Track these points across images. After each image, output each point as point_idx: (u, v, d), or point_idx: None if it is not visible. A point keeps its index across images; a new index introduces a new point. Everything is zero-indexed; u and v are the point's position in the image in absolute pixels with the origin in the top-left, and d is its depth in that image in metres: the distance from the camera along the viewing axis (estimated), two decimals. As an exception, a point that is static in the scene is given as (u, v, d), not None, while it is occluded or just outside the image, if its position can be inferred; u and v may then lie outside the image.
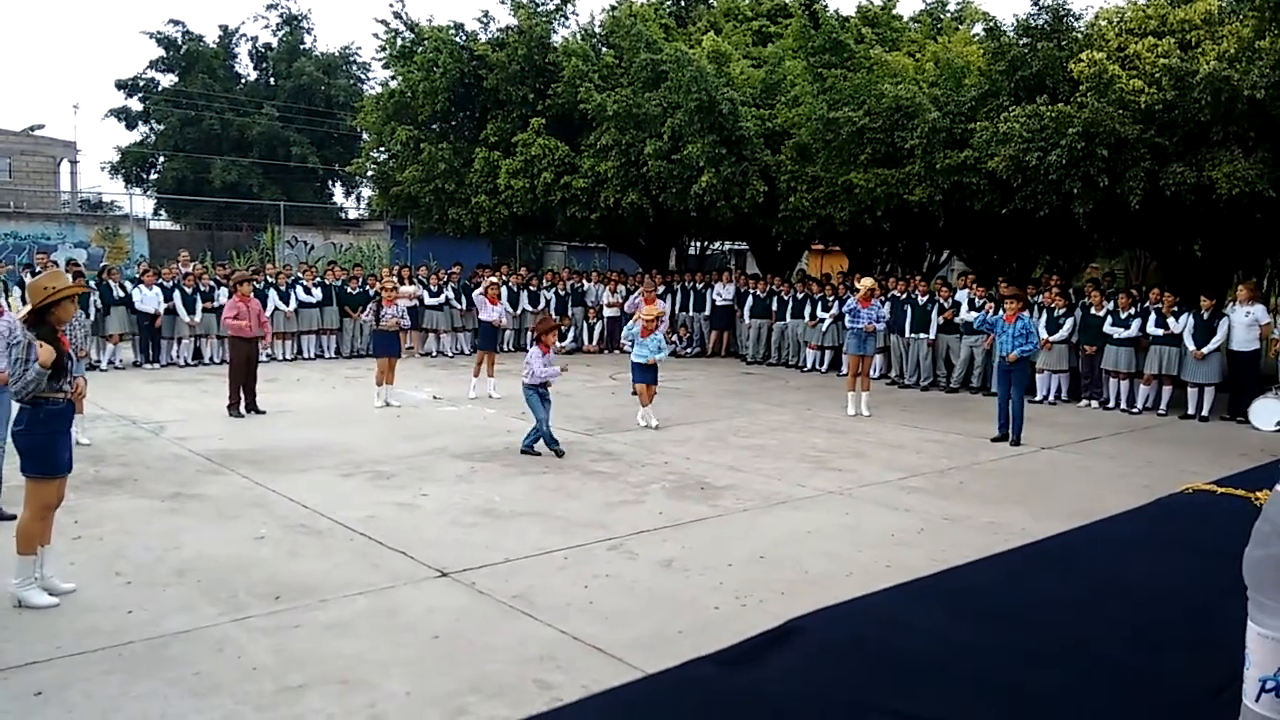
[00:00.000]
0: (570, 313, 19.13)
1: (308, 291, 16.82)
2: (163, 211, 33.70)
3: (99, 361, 14.59)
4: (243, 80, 36.11)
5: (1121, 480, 8.27)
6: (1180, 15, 12.46)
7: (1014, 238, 15.89)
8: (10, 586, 4.75)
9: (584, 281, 20.11)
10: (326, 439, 9.35)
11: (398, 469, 8.07)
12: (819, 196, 15.67)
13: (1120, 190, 11.88)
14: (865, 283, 12.11)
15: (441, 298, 17.83)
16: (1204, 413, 12.08)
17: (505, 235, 22.29)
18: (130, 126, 34.38)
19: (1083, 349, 13.22)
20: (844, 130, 14.45)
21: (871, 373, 13.25)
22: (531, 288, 19.16)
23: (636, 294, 14.81)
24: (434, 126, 20.60)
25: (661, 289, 18.60)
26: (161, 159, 34.06)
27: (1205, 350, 11.97)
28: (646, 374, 10.51)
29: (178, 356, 15.58)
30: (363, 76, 36.45)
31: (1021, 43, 13.38)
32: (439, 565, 5.48)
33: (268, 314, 13.27)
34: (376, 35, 20.97)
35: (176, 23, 34.15)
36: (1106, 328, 12.85)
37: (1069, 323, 13.21)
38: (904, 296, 14.97)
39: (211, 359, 15.77)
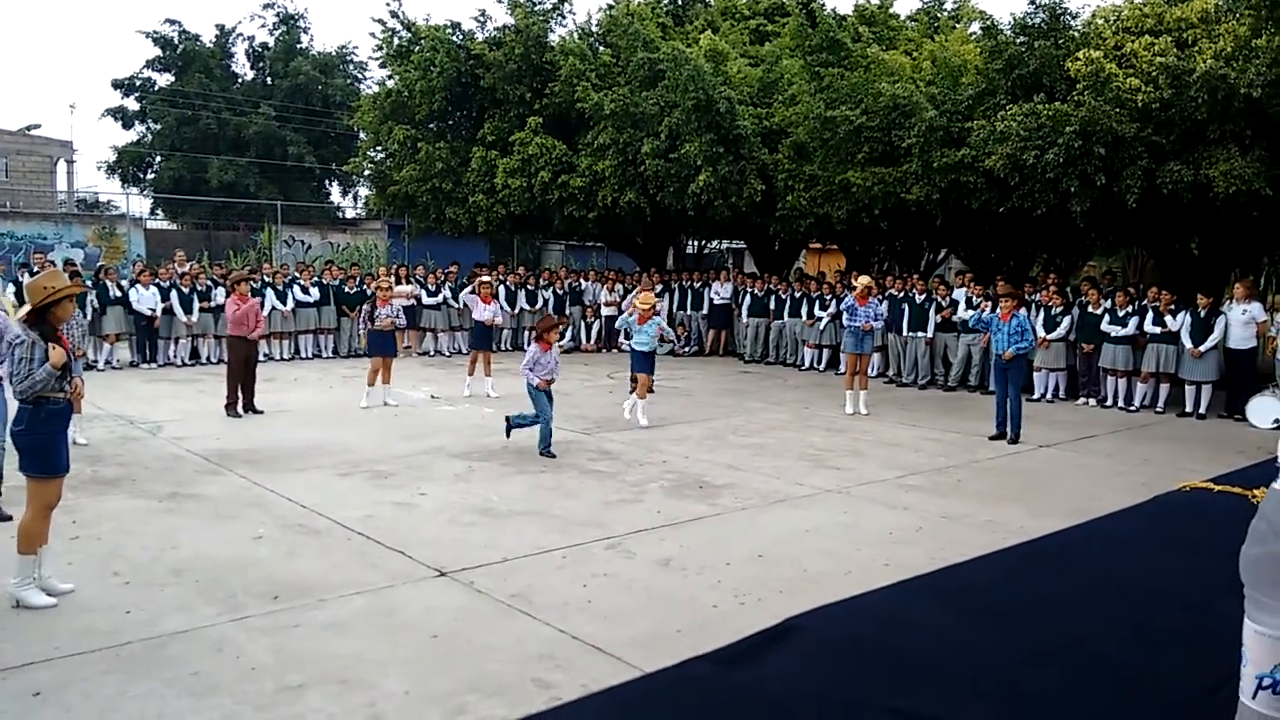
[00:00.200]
0: (568, 312, 19.13)
1: (305, 291, 16.80)
2: (159, 211, 33.67)
3: (96, 361, 14.57)
4: (239, 80, 36.08)
5: (1119, 478, 8.28)
6: (1177, 14, 12.48)
7: (1011, 236, 15.91)
8: (9, 586, 4.75)
9: (581, 280, 20.10)
10: (324, 438, 9.34)
11: (395, 468, 8.07)
12: (816, 195, 15.67)
13: (1117, 188, 11.89)
14: (862, 281, 12.12)
15: (439, 297, 17.83)
16: (1201, 410, 12.10)
17: (503, 234, 22.29)
18: (127, 126, 34.37)
19: (1080, 347, 13.23)
20: (841, 129, 14.46)
21: (869, 371, 13.26)
22: (529, 287, 19.16)
23: (634, 293, 14.84)
24: (431, 126, 20.58)
25: (659, 288, 18.62)
26: (158, 158, 34.04)
27: (1202, 348, 11.99)
28: (645, 363, 10.51)
29: (175, 356, 15.56)
30: (360, 76, 36.47)
31: (1018, 41, 13.39)
32: (437, 564, 5.48)
33: (265, 313, 13.24)
34: (373, 34, 20.88)
35: (173, 22, 34.18)
36: (1104, 326, 12.86)
37: (1066, 321, 13.23)
38: (901, 295, 14.98)
39: (209, 359, 15.75)
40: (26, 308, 4.88)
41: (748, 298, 17.83)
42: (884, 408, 12.08)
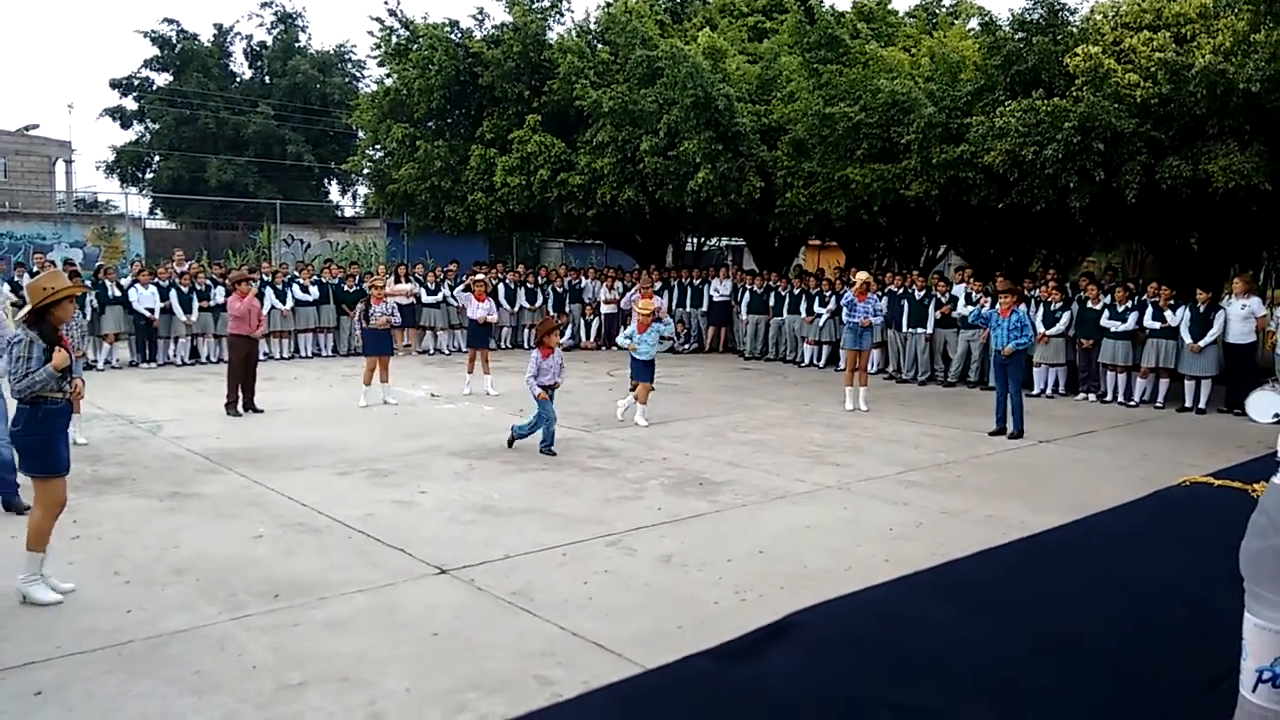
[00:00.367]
0: (568, 310, 19.13)
1: (304, 290, 16.80)
2: (158, 211, 33.66)
3: (96, 361, 14.57)
4: (238, 79, 36.06)
5: (1119, 473, 8.29)
6: (1175, 9, 12.48)
7: (1010, 232, 15.91)
8: (17, 582, 4.78)
9: (581, 278, 20.10)
10: (324, 437, 9.35)
11: (395, 467, 8.07)
12: (815, 192, 15.67)
13: (1116, 184, 11.89)
14: (860, 276, 12.12)
15: (439, 295, 17.83)
16: (1201, 405, 12.11)
17: (502, 232, 22.28)
18: (125, 126, 34.34)
19: (1080, 342, 13.24)
20: (840, 126, 14.46)
21: (869, 368, 13.26)
22: (529, 285, 19.16)
23: (634, 290, 14.84)
24: (430, 124, 20.56)
25: (659, 285, 18.61)
26: (157, 158, 34.02)
27: (1202, 343, 11.99)
28: (645, 372, 10.50)
29: (174, 356, 15.56)
30: (358, 74, 36.44)
31: (1017, 37, 13.39)
32: (438, 562, 5.49)
33: (264, 312, 13.22)
34: (371, 33, 20.86)
35: (171, 21, 34.14)
36: (1103, 321, 12.87)
37: (1065, 316, 13.23)
38: (901, 291, 14.98)
39: (208, 358, 15.76)
40: (27, 308, 4.89)
41: (747, 295, 17.83)
42: (884, 404, 12.09)
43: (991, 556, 2.33)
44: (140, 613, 4.66)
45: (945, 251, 19.74)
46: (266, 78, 35.85)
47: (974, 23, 16.35)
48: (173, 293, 15.33)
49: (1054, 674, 1.56)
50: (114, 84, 33.80)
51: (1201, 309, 12.14)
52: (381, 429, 9.90)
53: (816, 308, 16.26)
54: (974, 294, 13.89)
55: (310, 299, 16.84)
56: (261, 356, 13.12)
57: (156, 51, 33.93)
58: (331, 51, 36.65)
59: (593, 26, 20.38)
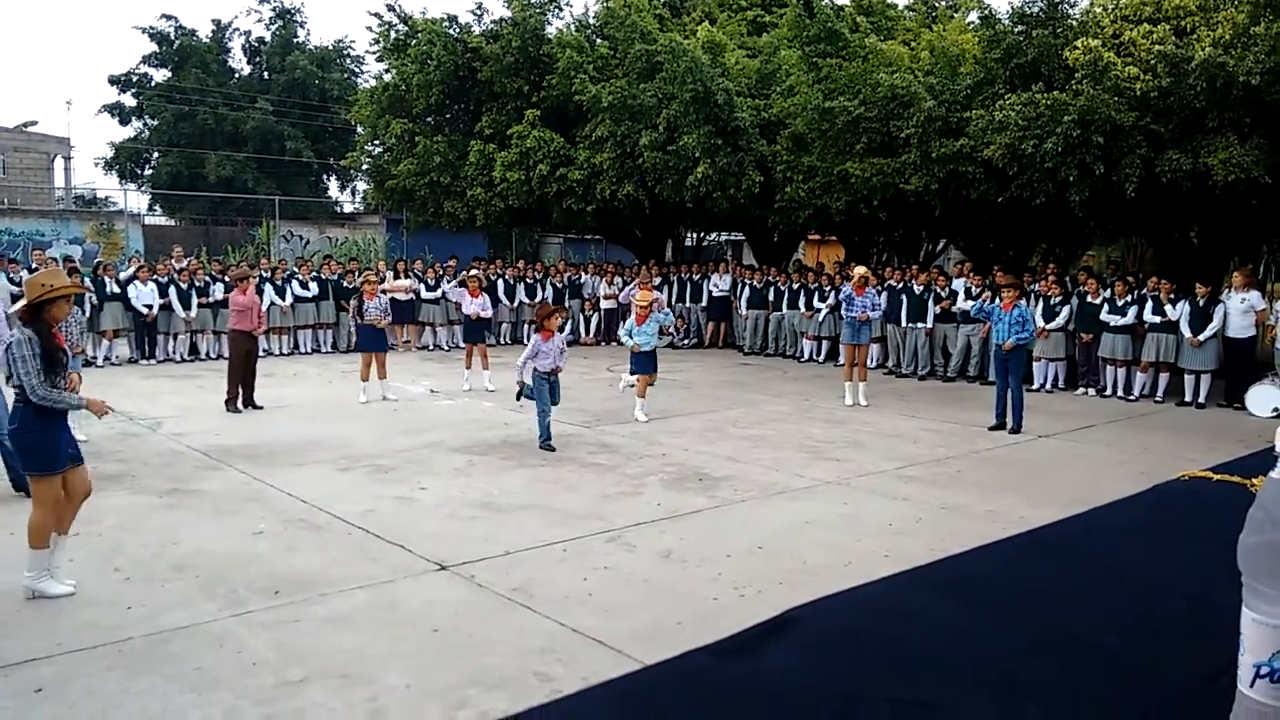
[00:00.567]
0: (567, 305, 19.12)
1: (304, 286, 16.79)
2: (157, 207, 33.66)
3: (95, 357, 14.57)
4: (236, 75, 36.01)
5: (1119, 467, 8.28)
6: (1175, 2, 12.42)
7: (1010, 226, 15.89)
8: (24, 580, 4.79)
9: (581, 274, 20.09)
10: (324, 433, 9.35)
11: (395, 463, 8.07)
12: (815, 186, 15.65)
13: (1116, 178, 11.88)
14: (859, 271, 12.12)
15: (438, 291, 17.82)
16: (1201, 399, 12.11)
17: (501, 228, 22.26)
18: (124, 122, 34.32)
19: (1079, 337, 13.23)
20: (839, 120, 14.43)
21: (869, 363, 13.26)
22: (528, 280, 19.15)
23: (633, 285, 14.83)
24: (428, 119, 20.54)
25: (658, 280, 18.59)
26: (155, 154, 33.99)
27: (1201, 337, 11.99)
28: (646, 364, 10.50)
29: (174, 352, 15.56)
30: (357, 70, 36.38)
31: (1017, 30, 13.36)
32: (438, 558, 5.49)
33: (264, 308, 13.21)
34: (370, 28, 20.80)
35: (169, 17, 34.08)
36: (1103, 315, 12.86)
37: (1065, 310, 13.23)
38: (900, 286, 14.98)
39: (208, 354, 15.76)
40: (22, 302, 4.89)
41: (747, 290, 17.82)
42: (883, 399, 12.08)
43: (991, 551, 2.33)
44: (140, 609, 4.66)
45: (945, 246, 19.73)
46: (265, 73, 35.79)
47: (973, 16, 16.29)
48: (172, 289, 15.32)
49: (1054, 668, 1.56)
50: (113, 80, 33.77)
51: (1201, 303, 12.13)
52: (381, 425, 9.90)
53: (816, 303, 16.25)
54: (973, 288, 13.88)
55: (309, 295, 16.83)
56: (261, 353, 13.10)
57: (155, 48, 33.89)
58: (330, 47, 36.60)
59: (591, 21, 20.35)
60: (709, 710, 1.42)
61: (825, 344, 16.34)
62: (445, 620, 4.58)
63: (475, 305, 12.59)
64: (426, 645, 4.29)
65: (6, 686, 3.83)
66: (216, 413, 10.48)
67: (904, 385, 13.83)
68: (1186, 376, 12.25)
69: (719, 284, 18.77)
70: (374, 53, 21.12)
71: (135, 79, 33.93)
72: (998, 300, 10.63)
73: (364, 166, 23.17)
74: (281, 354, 16.34)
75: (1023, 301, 10.45)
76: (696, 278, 19.21)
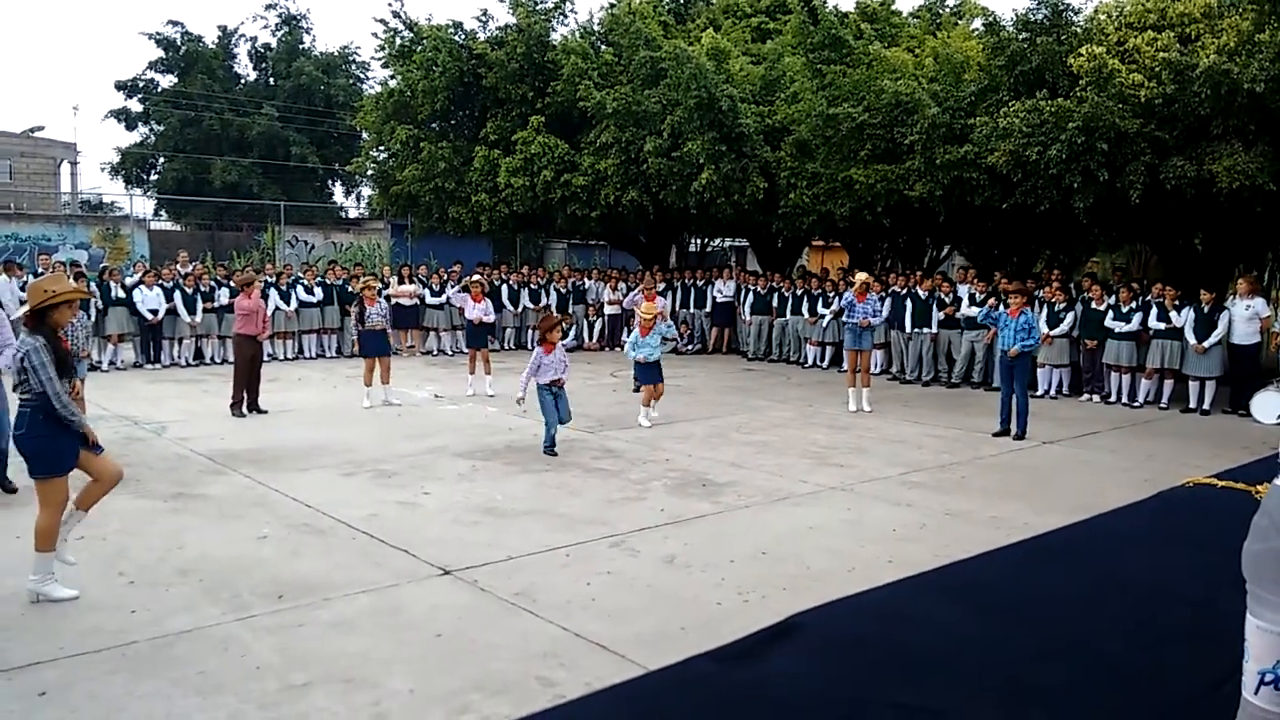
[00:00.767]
0: (571, 311, 19.13)
1: (309, 291, 16.83)
2: (163, 212, 33.75)
3: (100, 362, 14.60)
4: (242, 80, 36.14)
5: (1123, 474, 8.27)
6: (1180, 9, 12.45)
7: (1014, 232, 15.89)
8: (29, 583, 4.79)
9: (585, 279, 20.11)
10: (328, 438, 9.36)
11: (399, 468, 8.08)
12: (819, 193, 15.66)
13: (1120, 184, 11.87)
14: (860, 277, 12.13)
15: (443, 297, 17.85)
16: (1205, 406, 12.08)
17: (505, 234, 22.32)
18: (130, 127, 34.44)
19: (1084, 343, 13.21)
20: (844, 126, 14.44)
21: (872, 368, 13.25)
22: (532, 286, 19.17)
23: (636, 291, 14.81)
24: (434, 125, 20.60)
25: (662, 286, 18.60)
26: (161, 160, 34.11)
27: (1206, 344, 11.97)
28: (650, 373, 10.49)
29: (179, 357, 15.59)
30: (362, 76, 36.49)
31: (1021, 37, 13.37)
32: (441, 563, 5.49)
33: (269, 312, 13.24)
34: (375, 35, 20.99)
35: (175, 23, 34.26)
36: (1108, 322, 12.85)
37: (1069, 317, 13.21)
38: (905, 292, 14.97)
39: (213, 359, 15.80)
40: (25, 307, 4.91)
41: (750, 296, 17.83)
42: (887, 405, 12.07)
43: (995, 558, 2.33)
44: (144, 613, 4.67)
45: (949, 252, 19.72)
46: (271, 79, 35.92)
47: (978, 23, 16.33)
48: (177, 294, 15.36)
49: (1059, 674, 1.56)
50: (119, 86, 33.91)
51: (1206, 310, 12.11)
52: (385, 430, 9.91)
53: (820, 309, 16.25)
54: (978, 294, 13.87)
55: (314, 300, 16.87)
56: (266, 357, 13.15)
57: (161, 53, 34.02)
58: (336, 53, 36.72)
59: (596, 28, 20.41)
60: (713, 716, 1.42)
61: (829, 350, 16.34)
62: (448, 625, 4.58)
63: (478, 310, 12.61)
64: (430, 650, 4.29)
65: (10, 690, 3.84)
66: (221, 417, 10.50)
67: (908, 391, 13.82)
68: (1191, 383, 12.22)
69: (723, 290, 18.78)
70: (379, 59, 21.22)
71: (142, 84, 34.07)
72: (1003, 306, 10.63)
73: (369, 172, 23.22)
74: (286, 359, 16.37)
75: (1029, 308, 10.44)
76: (700, 283, 19.22)
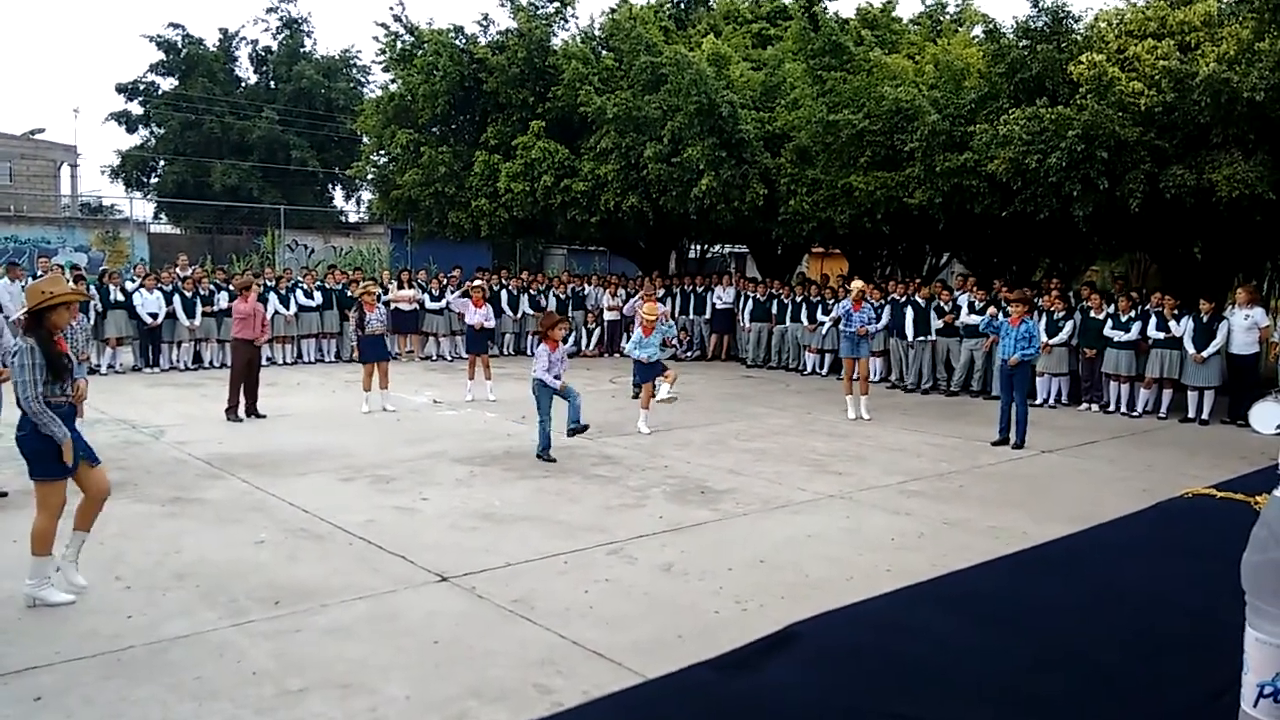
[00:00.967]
0: (570, 316, 19.13)
1: (308, 295, 16.84)
2: (163, 215, 33.78)
3: (99, 365, 14.60)
4: (243, 84, 36.17)
5: (1121, 484, 8.27)
6: (1180, 17, 12.47)
7: (1014, 240, 15.90)
8: (25, 587, 4.78)
9: (584, 285, 20.11)
10: (326, 443, 9.35)
11: (397, 473, 8.07)
12: (819, 199, 15.67)
13: (1120, 193, 11.88)
14: (856, 285, 12.15)
15: (442, 302, 17.86)
16: (1204, 416, 12.08)
17: (505, 239, 22.33)
18: (130, 130, 34.48)
19: (1083, 352, 13.21)
20: (844, 133, 14.46)
21: (871, 376, 13.24)
22: (531, 291, 19.18)
23: (636, 297, 14.84)
24: (434, 130, 20.63)
25: (661, 292, 18.61)
26: (162, 162, 34.13)
27: (1205, 353, 11.97)
28: (649, 372, 10.51)
29: (178, 360, 15.59)
30: (363, 80, 36.55)
31: (1021, 45, 13.39)
32: (439, 569, 5.48)
33: (268, 316, 13.23)
34: (376, 39, 21.02)
35: (177, 26, 34.30)
36: (1107, 331, 12.85)
37: (1068, 326, 13.22)
38: (904, 299, 14.97)
39: (211, 363, 15.79)
40: (23, 309, 4.91)
41: (750, 302, 17.83)
42: (886, 413, 12.07)
43: (994, 567, 2.33)
44: (141, 618, 4.66)
45: (948, 259, 19.74)
46: (271, 83, 35.96)
47: (978, 30, 16.35)
48: (176, 297, 15.36)
49: (1057, 684, 1.55)
50: (120, 88, 33.97)
51: (1205, 319, 12.12)
52: (384, 435, 9.90)
53: (819, 316, 16.25)
54: (977, 302, 13.88)
55: (314, 304, 16.88)
56: (264, 361, 13.15)
57: (162, 56, 34.07)
58: (336, 57, 36.78)
59: (597, 33, 20.45)
60: (710, 725, 1.42)
61: (828, 357, 16.34)
62: (446, 631, 4.57)
63: (479, 316, 12.61)
64: (427, 656, 4.28)
65: (6, 694, 3.82)
66: (219, 421, 10.49)
67: (906, 399, 13.82)
68: (1190, 393, 12.22)
69: (722, 296, 18.79)
70: (380, 63, 21.28)
71: (142, 87, 34.10)
72: (1003, 315, 10.63)
73: (369, 176, 23.25)
74: (285, 363, 16.37)
75: (1030, 317, 10.45)
76: (700, 290, 19.23)
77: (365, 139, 23.72)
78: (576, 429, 8.81)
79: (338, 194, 38.07)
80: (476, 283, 14.06)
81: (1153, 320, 12.53)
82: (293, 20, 36.28)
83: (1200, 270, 14.83)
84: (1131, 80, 11.78)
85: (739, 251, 28.14)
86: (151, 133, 34.45)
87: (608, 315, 19.10)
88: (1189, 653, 1.65)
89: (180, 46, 33.95)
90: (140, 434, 9.64)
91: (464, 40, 19.85)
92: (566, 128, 18.67)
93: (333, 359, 17.13)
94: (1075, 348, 13.33)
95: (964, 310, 14.14)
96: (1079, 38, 13.15)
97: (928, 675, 1.55)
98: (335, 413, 11.37)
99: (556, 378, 8.79)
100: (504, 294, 18.54)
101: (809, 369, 16.58)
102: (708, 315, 18.99)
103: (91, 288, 14.74)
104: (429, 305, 17.83)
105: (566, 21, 20.32)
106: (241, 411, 10.68)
